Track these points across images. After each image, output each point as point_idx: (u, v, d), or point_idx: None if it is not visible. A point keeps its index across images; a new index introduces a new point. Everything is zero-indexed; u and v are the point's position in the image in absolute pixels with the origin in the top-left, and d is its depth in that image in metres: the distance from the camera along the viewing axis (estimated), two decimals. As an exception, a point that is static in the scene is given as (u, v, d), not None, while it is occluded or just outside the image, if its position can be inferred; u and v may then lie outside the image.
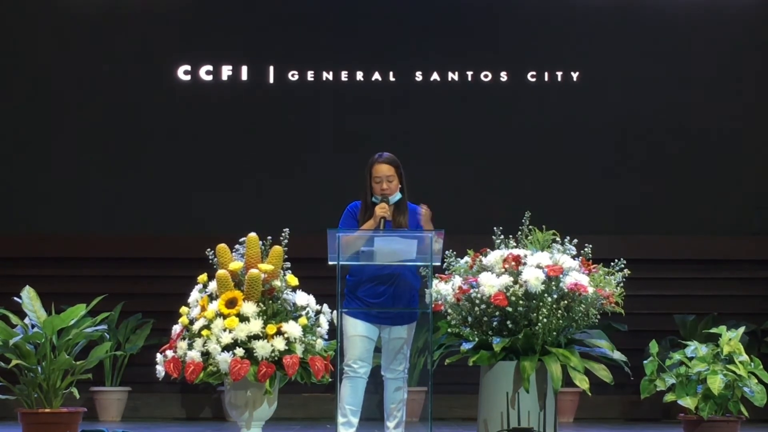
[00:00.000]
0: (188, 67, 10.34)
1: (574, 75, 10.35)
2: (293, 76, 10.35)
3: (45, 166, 10.22)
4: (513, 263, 5.66)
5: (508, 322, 5.62)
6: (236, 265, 5.66)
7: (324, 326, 5.70)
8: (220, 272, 5.61)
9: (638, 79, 10.34)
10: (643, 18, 10.40)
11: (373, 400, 6.47)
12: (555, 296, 5.57)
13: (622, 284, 5.84)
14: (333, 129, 10.30)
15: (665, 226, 10.19)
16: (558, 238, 5.87)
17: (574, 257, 5.78)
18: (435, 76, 10.35)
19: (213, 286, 5.66)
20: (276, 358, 5.46)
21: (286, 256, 5.76)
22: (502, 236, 5.90)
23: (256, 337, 5.45)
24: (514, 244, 5.89)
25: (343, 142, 10.19)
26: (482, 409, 5.70)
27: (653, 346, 6.35)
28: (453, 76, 10.36)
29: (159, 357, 5.64)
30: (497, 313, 5.63)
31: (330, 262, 5.85)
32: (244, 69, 10.35)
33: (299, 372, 5.54)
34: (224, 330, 5.45)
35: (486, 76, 10.36)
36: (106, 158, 10.24)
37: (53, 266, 9.93)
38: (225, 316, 5.49)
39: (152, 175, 10.21)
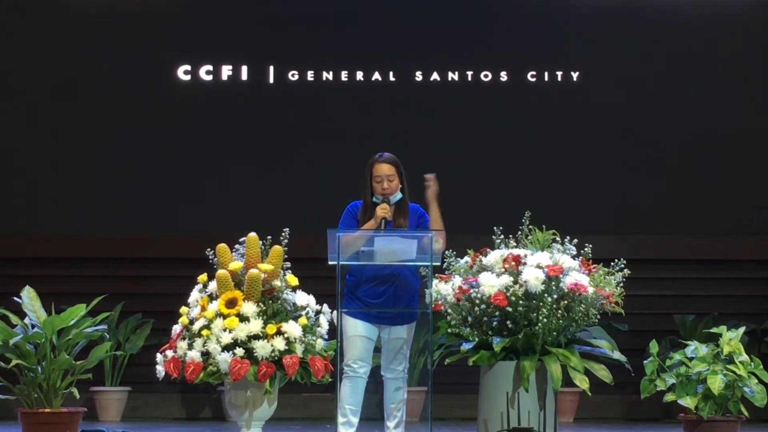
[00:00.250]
0: (188, 67, 10.35)
1: (574, 75, 10.35)
2: (293, 76, 10.36)
3: (45, 166, 10.22)
4: (513, 263, 5.65)
5: (508, 322, 5.62)
6: (236, 265, 5.66)
7: (324, 326, 5.70)
8: (220, 272, 5.61)
9: (638, 79, 10.34)
10: (643, 18, 10.41)
11: (373, 400, 6.47)
12: (555, 296, 5.57)
13: (622, 284, 5.83)
14: (333, 129, 10.29)
15: (665, 226, 10.19)
16: (558, 238, 5.87)
17: (574, 257, 5.77)
18: (435, 76, 10.36)
19: (213, 286, 5.66)
20: (276, 358, 5.46)
21: (286, 256, 5.76)
22: (502, 236, 5.90)
23: (256, 337, 5.45)
24: (514, 244, 5.89)
25: (343, 142, 10.19)
26: (482, 409, 5.70)
27: (653, 346, 6.35)
28: (453, 76, 10.36)
29: (159, 357, 5.64)
30: (497, 313, 5.62)
31: (330, 262, 5.85)
32: (244, 69, 10.36)
33: (299, 372, 5.54)
34: (224, 330, 5.45)
35: (486, 76, 10.36)
36: (106, 158, 10.25)
37: (53, 266, 9.93)
38: (225, 316, 5.49)
39: (152, 175, 10.21)
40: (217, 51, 10.35)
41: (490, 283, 5.60)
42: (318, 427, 8.97)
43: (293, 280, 5.71)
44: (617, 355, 5.80)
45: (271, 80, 10.36)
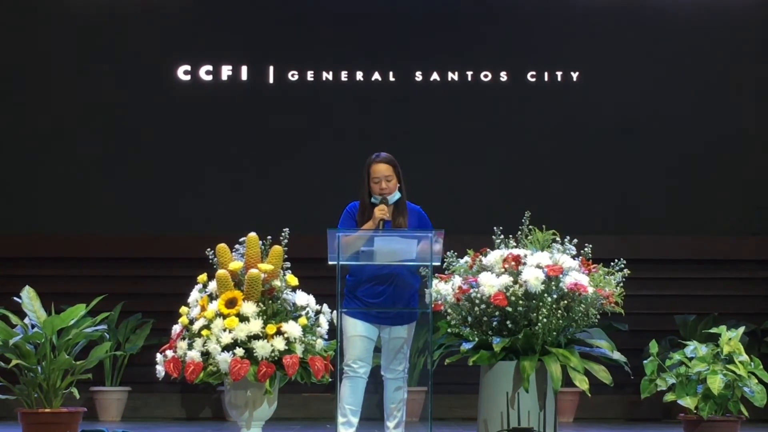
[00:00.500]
0: (188, 67, 10.34)
1: (574, 75, 10.35)
2: (293, 76, 10.35)
3: (45, 166, 10.22)
4: (513, 263, 5.65)
5: (508, 322, 5.62)
6: (236, 265, 5.66)
7: (324, 326, 5.70)
8: (220, 272, 5.61)
9: (638, 79, 10.34)
10: (643, 18, 10.40)
11: (373, 400, 6.46)
12: (555, 296, 5.57)
13: (622, 284, 5.83)
14: (333, 129, 10.29)
15: (665, 226, 10.19)
16: (558, 238, 5.87)
17: (574, 257, 5.77)
18: (435, 76, 10.35)
19: (213, 286, 5.66)
20: (276, 358, 5.46)
21: (286, 256, 5.76)
22: (502, 236, 5.90)
23: (256, 337, 5.45)
24: (514, 244, 5.89)
25: (342, 142, 10.18)
26: (482, 409, 5.70)
27: (653, 346, 6.35)
28: (453, 76, 10.36)
29: (159, 357, 5.64)
30: (497, 313, 5.62)
31: (330, 262, 5.85)
32: (244, 69, 10.35)
33: (299, 372, 5.54)
34: (224, 330, 5.45)
35: (486, 76, 10.36)
36: (105, 158, 10.24)
37: (53, 266, 9.93)
38: (225, 316, 5.49)
39: (152, 175, 10.21)
40: (217, 51, 10.34)
41: (490, 283, 5.60)
42: (318, 427, 8.97)
43: (293, 280, 5.72)
44: (617, 355, 5.80)
45: (271, 80, 10.36)
